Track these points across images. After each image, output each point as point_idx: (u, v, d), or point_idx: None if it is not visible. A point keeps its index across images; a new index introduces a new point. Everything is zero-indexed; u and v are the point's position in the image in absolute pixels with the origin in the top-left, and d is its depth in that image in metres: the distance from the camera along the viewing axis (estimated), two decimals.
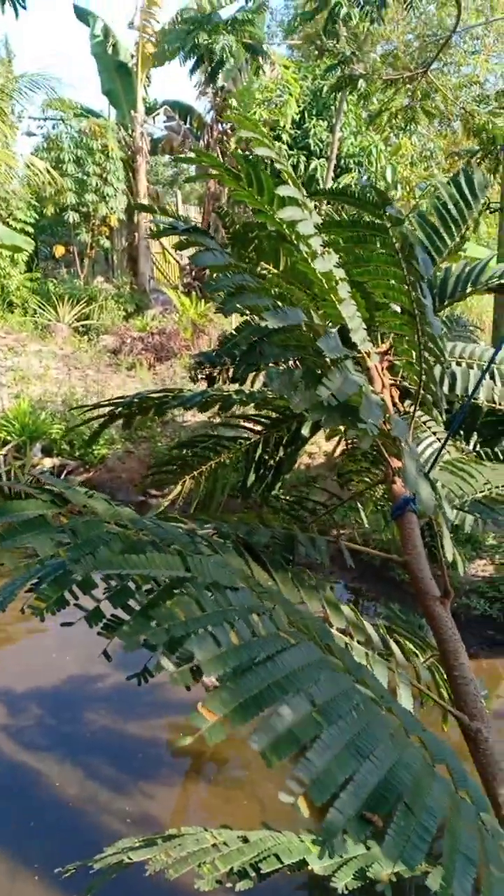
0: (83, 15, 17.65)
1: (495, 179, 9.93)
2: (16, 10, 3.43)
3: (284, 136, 15.24)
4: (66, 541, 1.26)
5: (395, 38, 20.15)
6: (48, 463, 9.79)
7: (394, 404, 2.64)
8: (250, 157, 2.54)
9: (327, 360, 1.29)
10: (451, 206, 2.98)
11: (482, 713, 1.55)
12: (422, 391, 2.02)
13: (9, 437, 9.43)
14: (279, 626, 0.97)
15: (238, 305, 1.70)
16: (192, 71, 15.22)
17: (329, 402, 1.23)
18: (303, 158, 15.19)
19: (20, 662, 5.95)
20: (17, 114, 17.24)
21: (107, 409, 2.56)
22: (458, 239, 3.05)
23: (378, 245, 1.88)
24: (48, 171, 15.14)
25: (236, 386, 2.61)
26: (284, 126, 14.91)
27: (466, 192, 2.96)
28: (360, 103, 11.83)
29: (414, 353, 2.13)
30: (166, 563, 1.00)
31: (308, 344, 1.49)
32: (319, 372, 1.44)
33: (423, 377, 1.98)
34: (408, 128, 9.74)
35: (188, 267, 17.86)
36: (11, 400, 10.48)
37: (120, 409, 2.49)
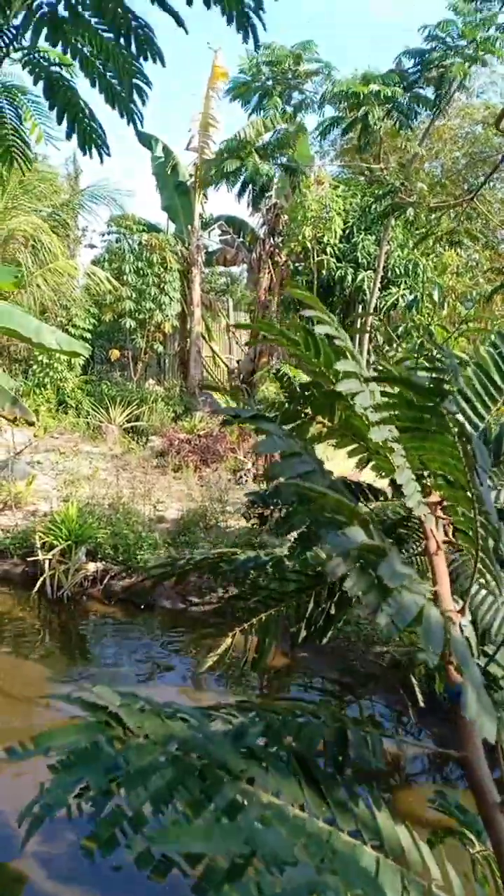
0: (145, 139, 18.98)
1: None
2: (101, 156, 3.68)
3: (329, 250, 15.86)
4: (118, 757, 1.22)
5: (443, 156, 21.08)
6: (91, 567, 9.79)
7: (446, 540, 2.57)
8: (305, 322, 2.62)
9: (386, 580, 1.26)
10: None
11: None
12: (478, 565, 1.96)
13: (55, 542, 9.50)
14: None
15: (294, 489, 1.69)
16: (240, 195, 16.14)
17: (388, 629, 1.20)
18: (350, 271, 15.71)
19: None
20: (83, 228, 18.42)
21: (161, 568, 2.56)
22: None
23: (434, 426, 1.88)
24: (108, 281, 15.94)
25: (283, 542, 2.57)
26: (330, 241, 15.52)
27: None
28: (407, 228, 12.37)
29: (468, 522, 2.09)
30: (226, 834, 0.94)
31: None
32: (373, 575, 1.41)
33: (480, 554, 1.93)
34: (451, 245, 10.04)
35: (236, 371, 18.33)
36: (60, 503, 10.63)
37: (174, 569, 2.48)
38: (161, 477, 13.40)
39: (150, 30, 3.10)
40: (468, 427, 1.72)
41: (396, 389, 2.16)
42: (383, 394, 2.11)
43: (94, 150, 3.39)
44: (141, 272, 16.56)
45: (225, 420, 1.95)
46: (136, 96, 3.11)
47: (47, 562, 9.50)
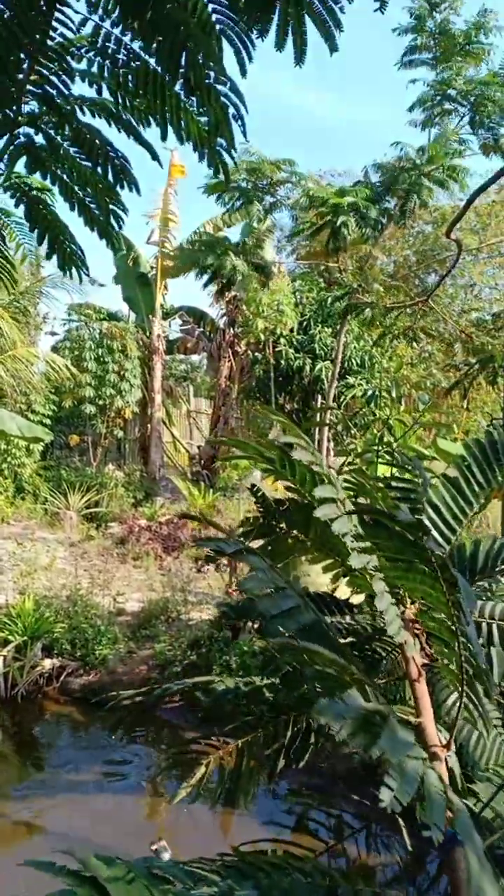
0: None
1: (494, 391, 10.46)
2: (80, 276, 3.78)
3: (285, 341, 16.35)
4: None
5: (394, 254, 22.13)
6: (48, 664, 9.44)
7: (426, 664, 2.56)
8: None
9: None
10: (475, 469, 3.07)
11: None
12: (464, 699, 1.96)
13: (10, 637, 9.17)
14: None
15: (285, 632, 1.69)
16: (206, 286, 16.65)
17: (392, 808, 1.18)
18: (308, 361, 16.15)
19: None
20: (42, 315, 18.65)
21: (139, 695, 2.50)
22: (483, 500, 3.11)
23: (416, 560, 1.91)
24: (67, 368, 16.04)
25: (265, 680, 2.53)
26: (283, 333, 16.00)
27: (490, 455, 3.07)
28: (364, 326, 12.86)
29: (450, 654, 2.10)
30: None
31: (352, 688, 1.45)
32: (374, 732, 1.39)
33: (466, 688, 1.93)
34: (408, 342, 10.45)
35: (197, 456, 18.39)
36: (16, 595, 10.31)
37: (149, 699, 2.42)
38: (121, 566, 13.15)
39: (127, 160, 3.26)
40: (448, 560, 1.75)
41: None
42: (362, 523, 2.15)
43: (73, 270, 3.51)
44: (101, 359, 16.75)
45: (210, 556, 1.95)
46: (112, 220, 3.25)
47: (1, 658, 9.14)
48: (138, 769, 7.68)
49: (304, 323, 16.66)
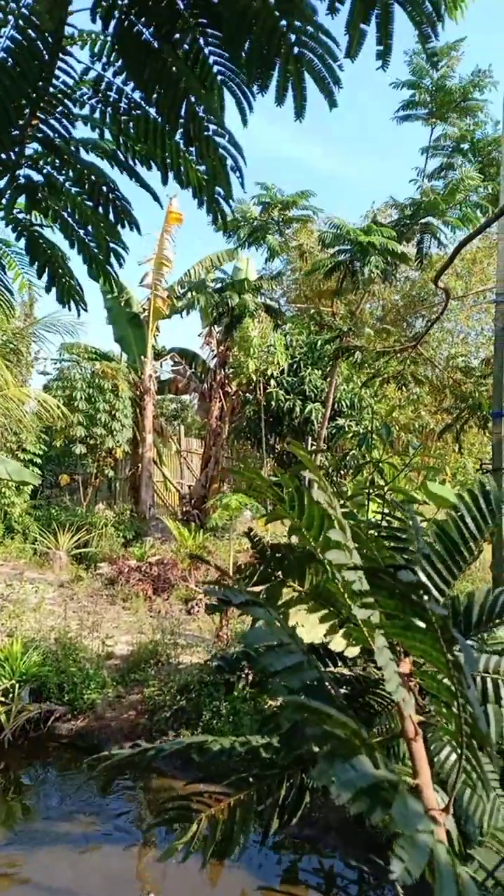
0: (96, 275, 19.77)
1: (483, 434, 10.54)
2: (79, 311, 3.82)
3: (274, 382, 16.45)
4: None
5: (382, 297, 22.49)
6: (34, 708, 9.23)
7: (422, 721, 2.50)
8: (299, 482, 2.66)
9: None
10: (468, 520, 3.06)
11: None
12: (463, 762, 1.92)
13: None
14: None
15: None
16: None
17: (404, 880, 1.13)
18: (298, 402, 16.24)
19: None
20: (34, 354, 18.71)
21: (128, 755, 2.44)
22: (476, 553, 3.10)
23: (417, 619, 1.88)
24: (59, 408, 16.04)
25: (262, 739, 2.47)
26: (274, 374, 16.10)
27: (483, 506, 3.06)
28: (354, 368, 12.95)
29: (449, 714, 2.06)
30: None
31: (355, 753, 1.41)
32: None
33: (465, 750, 1.89)
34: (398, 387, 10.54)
35: (188, 496, 18.33)
36: (3, 638, 10.14)
37: (141, 759, 2.36)
38: (110, 607, 12.99)
39: (128, 202, 3.33)
40: (449, 627, 1.73)
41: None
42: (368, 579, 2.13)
43: (72, 304, 3.55)
44: (92, 399, 16.77)
45: (215, 606, 1.93)
46: (113, 259, 3.30)
47: None
48: (126, 818, 7.47)
49: (295, 365, 16.81)
